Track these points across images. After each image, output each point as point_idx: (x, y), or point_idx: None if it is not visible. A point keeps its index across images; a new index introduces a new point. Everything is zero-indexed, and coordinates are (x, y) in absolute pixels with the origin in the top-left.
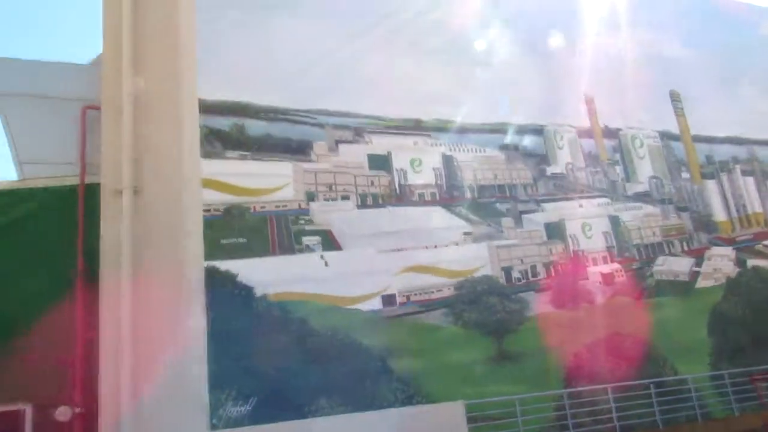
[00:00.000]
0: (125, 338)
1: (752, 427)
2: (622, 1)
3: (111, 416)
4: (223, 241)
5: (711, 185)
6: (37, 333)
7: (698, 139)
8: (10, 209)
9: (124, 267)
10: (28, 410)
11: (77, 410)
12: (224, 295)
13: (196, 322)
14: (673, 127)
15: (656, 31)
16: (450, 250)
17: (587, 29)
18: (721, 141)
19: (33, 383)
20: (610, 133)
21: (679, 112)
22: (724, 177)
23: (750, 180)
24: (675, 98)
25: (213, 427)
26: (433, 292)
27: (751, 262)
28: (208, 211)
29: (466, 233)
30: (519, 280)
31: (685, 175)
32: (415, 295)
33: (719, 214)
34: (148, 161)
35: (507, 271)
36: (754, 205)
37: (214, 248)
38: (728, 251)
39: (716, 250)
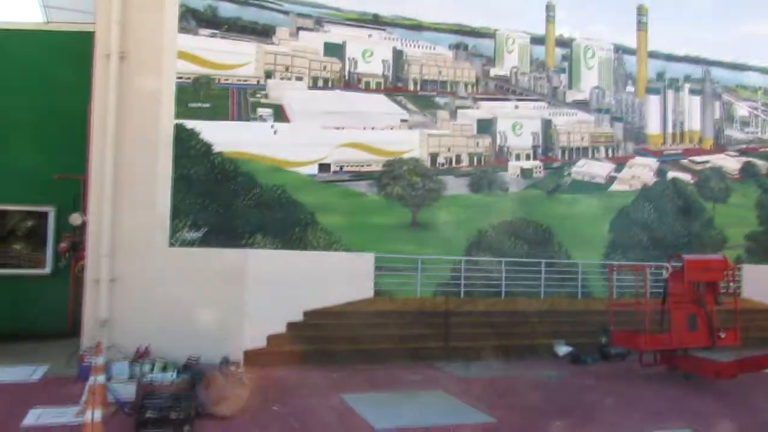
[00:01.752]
0: (108, 173)
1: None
2: None
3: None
4: (191, 105)
5: (653, 100)
6: None
7: (656, 55)
8: (34, 48)
9: (110, 115)
10: (51, 211)
11: (86, 217)
12: (188, 149)
13: (164, 166)
14: (633, 42)
15: None
16: (385, 133)
17: None
18: (679, 59)
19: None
20: (564, 42)
21: (642, 27)
22: (669, 93)
23: (697, 99)
24: (641, 12)
25: (171, 245)
26: (363, 166)
27: (672, 174)
28: (181, 78)
29: (402, 120)
30: (442, 165)
31: (630, 88)
32: (348, 166)
33: (653, 128)
34: (133, 32)
35: (433, 156)
36: (693, 122)
37: (183, 110)
38: (651, 162)
39: (639, 160)
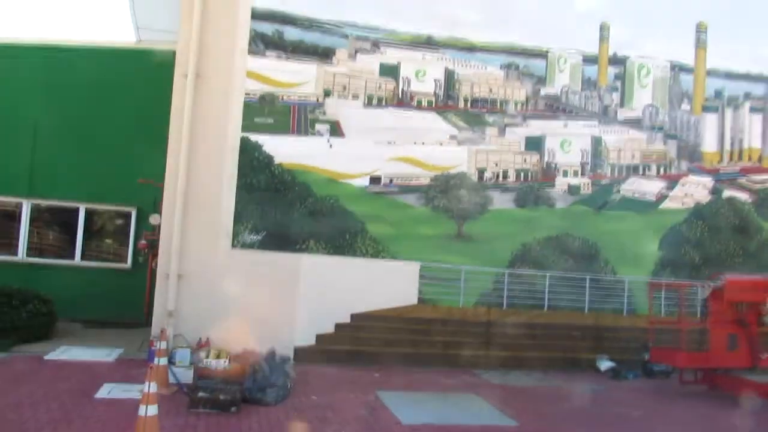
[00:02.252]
0: (181, 179)
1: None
2: None
3: (168, 223)
4: (256, 120)
5: (710, 117)
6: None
7: (715, 73)
8: (126, 65)
9: (185, 128)
10: (134, 212)
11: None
12: (251, 160)
13: (229, 175)
14: (690, 60)
15: None
16: (435, 148)
17: None
18: (739, 77)
19: (140, 195)
20: (618, 60)
21: (701, 45)
22: (728, 111)
23: (758, 116)
24: (700, 29)
25: (233, 246)
26: (412, 179)
27: (728, 193)
28: (248, 95)
29: (452, 136)
30: (489, 179)
31: (686, 106)
32: (398, 179)
33: (709, 146)
34: (208, 54)
35: (481, 171)
36: (753, 140)
37: (249, 124)
38: (706, 180)
39: (693, 178)
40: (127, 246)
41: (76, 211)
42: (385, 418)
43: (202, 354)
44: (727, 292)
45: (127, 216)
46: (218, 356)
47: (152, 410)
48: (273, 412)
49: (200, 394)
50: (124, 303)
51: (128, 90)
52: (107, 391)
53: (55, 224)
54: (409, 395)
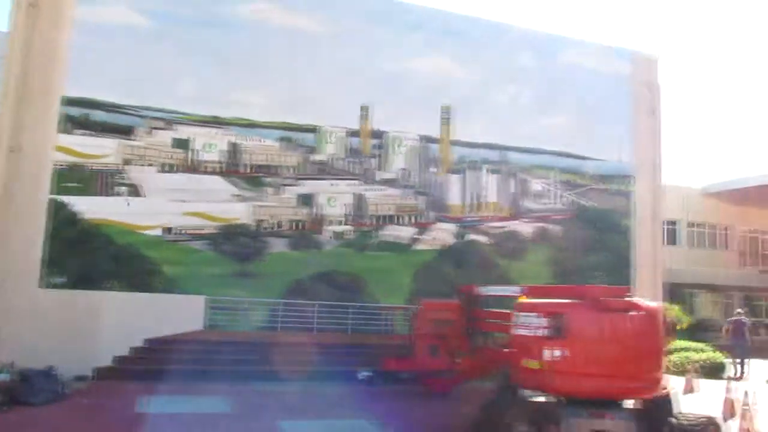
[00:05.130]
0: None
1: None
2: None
3: None
4: (67, 184)
5: (454, 178)
6: None
7: (459, 143)
8: None
9: (2, 190)
10: None
11: None
12: (63, 216)
13: (40, 227)
14: (437, 132)
15: (439, 53)
16: (220, 204)
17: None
18: (480, 146)
19: None
20: (378, 134)
21: (444, 122)
22: (470, 173)
23: (494, 176)
24: (444, 110)
25: (45, 286)
26: (201, 230)
27: (470, 236)
28: (60, 165)
29: (234, 195)
30: (266, 228)
31: (433, 169)
32: (189, 230)
33: (455, 199)
34: (24, 130)
35: (259, 222)
36: (491, 196)
37: (60, 188)
38: (451, 227)
39: (441, 225)
40: None
41: None
42: (130, 411)
43: None
44: (425, 313)
45: None
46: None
47: None
48: (36, 410)
49: None
50: None
51: None
52: None
53: None
54: (166, 398)
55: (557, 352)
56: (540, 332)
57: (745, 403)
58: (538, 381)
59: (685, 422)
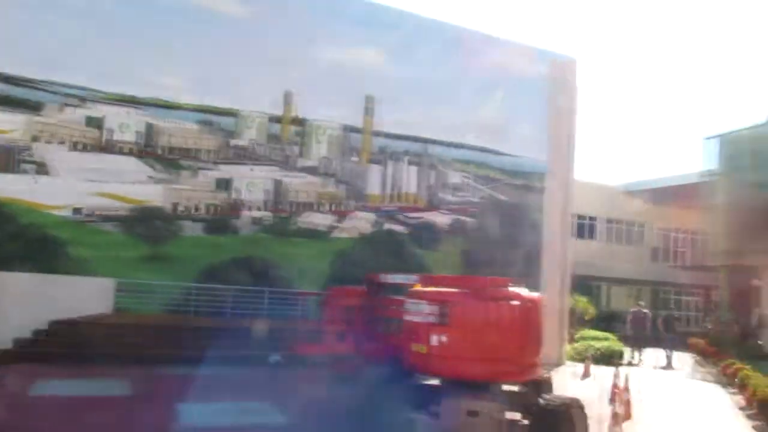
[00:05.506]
0: None
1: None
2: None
3: None
4: None
5: (375, 168)
6: None
7: (381, 134)
8: None
9: None
10: None
11: None
12: None
13: None
14: (360, 123)
15: (365, 44)
16: (135, 186)
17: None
18: (401, 138)
19: None
20: (300, 121)
21: (369, 112)
22: (390, 163)
23: (414, 168)
24: (368, 101)
25: None
26: (112, 211)
27: (388, 226)
28: None
29: (150, 177)
30: (182, 212)
31: (355, 159)
32: (99, 211)
33: (374, 189)
34: None
35: (175, 205)
36: (410, 187)
37: None
38: (370, 216)
39: (360, 214)
40: None
41: None
42: (23, 394)
43: None
44: (333, 299)
45: None
46: None
47: None
48: None
49: None
50: None
51: None
52: None
53: None
54: (64, 381)
55: (442, 338)
56: (427, 319)
57: (617, 386)
58: (425, 365)
59: (551, 403)
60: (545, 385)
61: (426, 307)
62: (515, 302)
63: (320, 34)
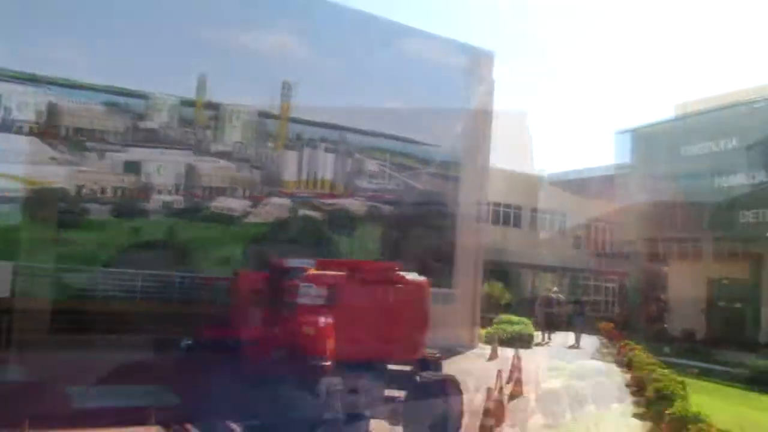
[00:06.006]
0: None
1: None
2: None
3: None
4: None
5: (291, 154)
6: None
7: (298, 121)
8: None
9: None
10: None
11: None
12: None
13: None
14: (277, 109)
15: (283, 31)
16: (36, 167)
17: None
18: (318, 125)
19: None
20: (214, 106)
21: (284, 98)
22: (307, 150)
23: (331, 155)
24: (285, 88)
25: None
26: (12, 192)
27: (302, 211)
28: None
29: (52, 158)
30: (88, 194)
31: (270, 144)
32: None
33: (289, 175)
34: None
35: (79, 187)
36: (326, 173)
37: None
38: (285, 201)
39: (273, 199)
40: None
41: None
42: None
43: None
44: (239, 283)
45: None
46: None
47: None
48: None
49: None
50: None
51: None
52: None
53: None
54: None
55: (328, 319)
56: (316, 301)
57: (515, 366)
58: (314, 346)
59: (427, 379)
60: (434, 365)
61: (315, 290)
62: (400, 285)
63: (236, 17)
